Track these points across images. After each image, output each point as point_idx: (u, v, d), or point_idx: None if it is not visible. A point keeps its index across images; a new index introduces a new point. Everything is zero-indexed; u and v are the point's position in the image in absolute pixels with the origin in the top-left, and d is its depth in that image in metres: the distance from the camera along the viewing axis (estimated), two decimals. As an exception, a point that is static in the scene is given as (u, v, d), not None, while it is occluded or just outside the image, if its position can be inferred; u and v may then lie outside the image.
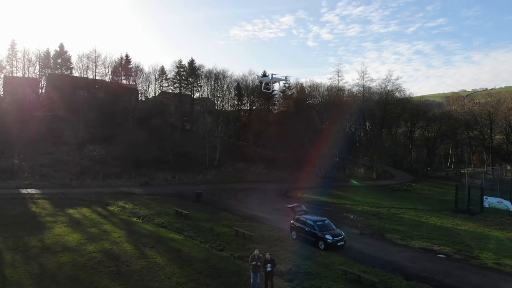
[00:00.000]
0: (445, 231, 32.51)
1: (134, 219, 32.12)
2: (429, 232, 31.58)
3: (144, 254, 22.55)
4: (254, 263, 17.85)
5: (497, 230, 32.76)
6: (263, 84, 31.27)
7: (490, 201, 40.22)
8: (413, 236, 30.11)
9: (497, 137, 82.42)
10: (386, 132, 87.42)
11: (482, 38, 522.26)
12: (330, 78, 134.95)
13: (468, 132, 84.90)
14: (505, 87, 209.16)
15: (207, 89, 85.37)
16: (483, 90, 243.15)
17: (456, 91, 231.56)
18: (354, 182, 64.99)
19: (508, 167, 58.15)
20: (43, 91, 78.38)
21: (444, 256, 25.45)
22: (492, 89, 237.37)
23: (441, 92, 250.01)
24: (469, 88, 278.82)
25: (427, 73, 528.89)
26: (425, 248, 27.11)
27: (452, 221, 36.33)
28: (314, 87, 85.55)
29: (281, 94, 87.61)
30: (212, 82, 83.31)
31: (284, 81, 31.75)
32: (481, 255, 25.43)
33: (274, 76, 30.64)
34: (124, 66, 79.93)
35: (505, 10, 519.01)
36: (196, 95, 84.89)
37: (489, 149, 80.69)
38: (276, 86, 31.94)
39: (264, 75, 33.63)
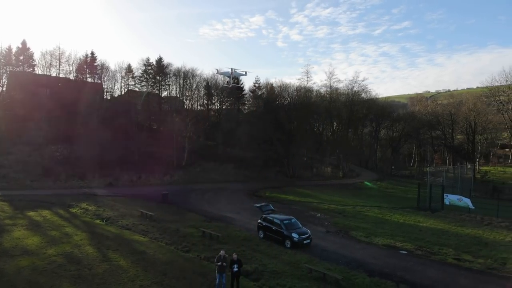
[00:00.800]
0: (407, 228, 33.44)
1: (97, 221, 31.31)
2: (392, 229, 32.41)
3: (106, 257, 22.03)
4: (219, 263, 17.80)
5: (457, 226, 34.01)
6: (223, 78, 30.78)
7: (451, 198, 41.66)
8: (377, 233, 30.83)
9: (458, 137, 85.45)
10: (352, 132, 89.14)
11: (445, 41, 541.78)
12: (299, 79, 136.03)
13: (431, 132, 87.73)
14: (467, 88, 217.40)
15: (176, 88, 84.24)
16: (446, 92, 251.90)
17: (420, 92, 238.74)
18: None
19: (468, 166, 60.44)
20: (4, 89, 75.15)
21: (406, 252, 26.21)
22: (454, 90, 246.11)
23: (406, 93, 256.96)
24: (432, 90, 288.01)
25: (392, 74, 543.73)
26: (388, 245, 27.84)
27: (414, 218, 37.43)
28: (284, 87, 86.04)
29: (251, 94, 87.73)
30: (181, 81, 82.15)
31: (244, 75, 31.37)
32: (441, 251, 26.30)
33: (234, 71, 30.20)
34: (89, 63, 77.74)
35: (468, 14, 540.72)
36: (164, 93, 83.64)
37: (451, 148, 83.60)
38: (237, 82, 31.41)
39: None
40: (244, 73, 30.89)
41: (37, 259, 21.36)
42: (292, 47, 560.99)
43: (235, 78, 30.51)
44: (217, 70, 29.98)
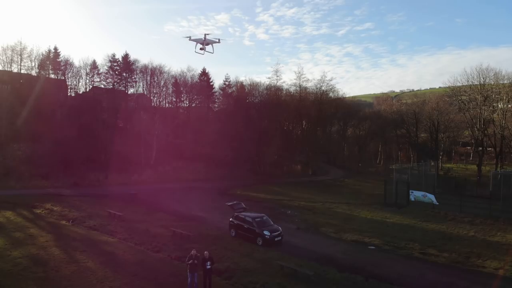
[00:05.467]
0: (375, 223, 34.23)
1: (63, 222, 30.41)
2: (360, 225, 33.07)
3: (74, 259, 21.43)
4: (191, 261, 17.63)
5: (422, 221, 35.04)
6: (196, 45, 29.57)
7: (416, 195, 42.82)
8: (346, 229, 31.41)
9: (422, 135, 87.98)
10: (320, 130, 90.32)
11: (406, 42, 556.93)
12: (269, 78, 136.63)
13: (396, 131, 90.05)
14: (430, 88, 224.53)
15: (143, 85, 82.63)
16: (410, 91, 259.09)
17: (385, 91, 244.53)
18: None
19: (432, 163, 62.10)
20: (-40, 85, 71.47)
21: (374, 247, 26.83)
22: (418, 90, 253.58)
23: (370, 92, 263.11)
24: (397, 89, 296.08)
25: (356, 74, 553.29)
26: (356, 240, 28.44)
27: (382, 214, 38.29)
28: (254, 86, 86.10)
29: (221, 92, 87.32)
30: (148, 78, 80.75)
31: (217, 43, 30.51)
32: (408, 245, 27.11)
33: (208, 38, 29.37)
34: (52, 59, 75.18)
35: (427, 17, 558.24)
36: (131, 91, 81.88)
37: (415, 146, 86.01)
38: (210, 49, 30.20)
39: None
40: (217, 40, 30.00)
41: (1, 261, 20.69)
42: (259, 46, 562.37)
43: (208, 44, 29.48)
44: (189, 37, 28.90)
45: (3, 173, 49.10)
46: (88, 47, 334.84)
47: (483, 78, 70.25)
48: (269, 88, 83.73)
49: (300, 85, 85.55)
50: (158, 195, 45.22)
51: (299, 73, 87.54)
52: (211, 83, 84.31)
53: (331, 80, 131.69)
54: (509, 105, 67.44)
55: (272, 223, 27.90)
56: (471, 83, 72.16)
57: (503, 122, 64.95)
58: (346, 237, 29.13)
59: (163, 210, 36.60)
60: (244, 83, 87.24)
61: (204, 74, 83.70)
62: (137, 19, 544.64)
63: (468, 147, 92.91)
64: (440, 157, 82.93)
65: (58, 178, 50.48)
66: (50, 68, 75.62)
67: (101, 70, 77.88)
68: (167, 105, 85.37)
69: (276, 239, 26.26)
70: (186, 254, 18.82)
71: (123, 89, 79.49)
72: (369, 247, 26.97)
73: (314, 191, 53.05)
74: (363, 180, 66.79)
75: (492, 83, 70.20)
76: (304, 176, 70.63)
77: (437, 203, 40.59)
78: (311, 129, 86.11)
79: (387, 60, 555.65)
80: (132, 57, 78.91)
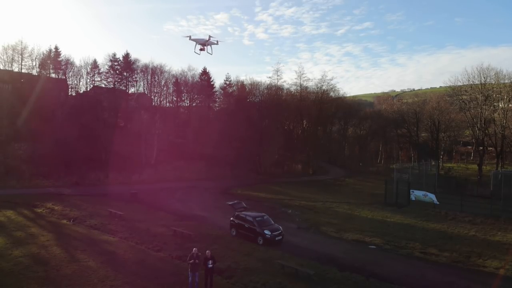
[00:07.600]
0: (375, 223, 34.22)
1: (64, 221, 30.42)
2: (361, 225, 33.07)
3: (75, 258, 21.46)
4: (192, 261, 17.65)
5: (423, 221, 35.05)
6: (195, 45, 29.60)
7: (416, 194, 42.83)
8: (346, 228, 31.41)
9: (423, 134, 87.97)
10: (321, 130, 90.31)
11: (405, 42, 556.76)
12: (269, 77, 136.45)
13: (397, 130, 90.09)
14: (430, 88, 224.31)
15: (143, 84, 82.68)
16: (411, 91, 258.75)
17: (386, 91, 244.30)
18: None
19: (433, 163, 62.08)
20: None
21: (374, 247, 26.84)
22: (418, 89, 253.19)
23: (370, 92, 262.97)
24: (397, 89, 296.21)
25: (356, 74, 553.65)
26: (357, 240, 28.47)
27: (382, 213, 38.26)
28: (254, 85, 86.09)
29: (222, 92, 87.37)
30: (149, 77, 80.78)
31: (216, 44, 30.70)
32: (408, 245, 27.12)
33: (209, 39, 29.46)
34: (53, 59, 75.18)
35: (426, 16, 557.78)
36: (132, 90, 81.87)
37: (416, 145, 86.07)
38: (209, 50, 30.32)
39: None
40: (216, 42, 30.28)
41: (2, 260, 20.70)
42: (259, 46, 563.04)
43: (208, 45, 29.65)
44: (189, 36, 29.03)
45: (4, 172, 49.18)
46: (88, 46, 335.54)
47: (484, 77, 70.23)
48: (269, 87, 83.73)
49: (301, 85, 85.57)
50: (159, 194, 45.18)
51: (300, 72, 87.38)
52: (212, 83, 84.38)
53: (331, 80, 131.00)
54: (510, 105, 67.35)
55: (272, 222, 27.92)
56: (472, 82, 72.10)
57: (504, 121, 64.90)
58: (347, 237, 29.14)
59: (164, 210, 36.60)
60: (244, 83, 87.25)
61: (205, 73, 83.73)
62: (138, 19, 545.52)
63: (469, 147, 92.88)
64: (441, 156, 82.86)
65: (59, 177, 50.46)
66: (51, 67, 75.55)
67: (101, 70, 77.90)
68: (167, 104, 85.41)
69: (276, 238, 26.28)
70: (187, 254, 18.85)
71: (123, 88, 79.48)
72: (370, 246, 27.00)
73: (315, 190, 53.02)
74: (364, 179, 66.70)
75: (493, 82, 70.18)
76: (304, 175, 70.60)
77: (438, 203, 40.59)
78: (311, 129, 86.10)
79: (386, 60, 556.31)
80: (132, 56, 78.85)
